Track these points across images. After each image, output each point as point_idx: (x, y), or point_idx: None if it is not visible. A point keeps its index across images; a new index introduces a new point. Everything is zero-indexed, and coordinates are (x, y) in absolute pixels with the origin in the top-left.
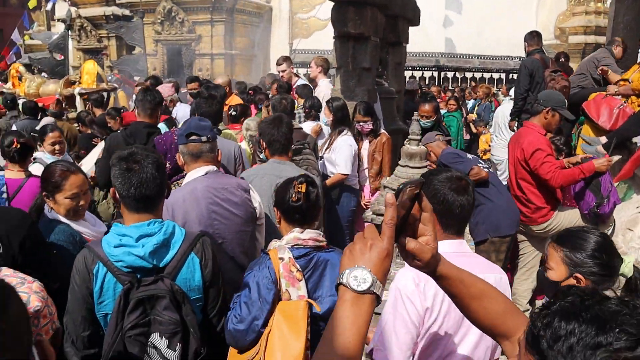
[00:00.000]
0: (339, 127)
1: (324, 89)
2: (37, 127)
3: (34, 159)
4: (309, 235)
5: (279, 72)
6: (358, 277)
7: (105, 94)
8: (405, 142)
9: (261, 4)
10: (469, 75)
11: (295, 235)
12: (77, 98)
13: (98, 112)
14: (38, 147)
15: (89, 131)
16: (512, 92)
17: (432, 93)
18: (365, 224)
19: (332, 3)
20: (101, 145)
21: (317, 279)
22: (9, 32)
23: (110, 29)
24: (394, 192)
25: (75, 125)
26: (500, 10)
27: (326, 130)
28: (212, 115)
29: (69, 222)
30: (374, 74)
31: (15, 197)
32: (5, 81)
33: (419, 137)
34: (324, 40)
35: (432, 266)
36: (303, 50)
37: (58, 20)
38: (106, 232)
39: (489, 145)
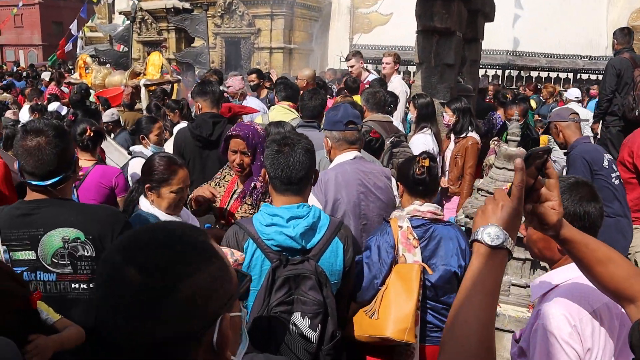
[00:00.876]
0: (421, 123)
1: (399, 86)
2: (105, 118)
3: (132, 152)
4: (427, 208)
5: (348, 67)
6: (491, 233)
7: (169, 85)
8: (491, 142)
9: None
10: (534, 74)
11: (414, 207)
12: (142, 89)
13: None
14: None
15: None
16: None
17: (523, 94)
18: None
19: None
20: (171, 140)
21: (433, 248)
22: (68, 25)
23: (175, 21)
24: (522, 159)
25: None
26: (568, 7)
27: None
28: (316, 108)
29: (167, 215)
30: (456, 71)
31: (82, 184)
32: (71, 72)
33: (518, 138)
34: (385, 35)
35: (557, 229)
36: (363, 46)
37: (119, 13)
38: None
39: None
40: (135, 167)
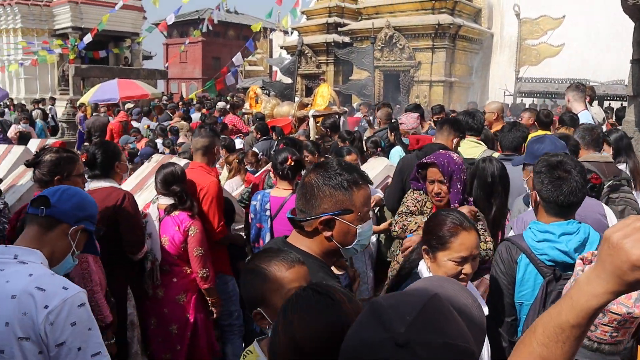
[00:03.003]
0: (617, 158)
1: (588, 120)
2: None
3: None
4: None
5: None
6: None
7: (337, 117)
8: None
9: (483, 31)
10: None
11: None
12: (311, 120)
13: (335, 137)
14: None
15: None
16: None
17: None
18: None
19: (574, 28)
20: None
21: None
22: (225, 60)
23: (341, 54)
24: None
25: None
26: None
27: None
28: (516, 140)
29: None
30: None
31: (278, 215)
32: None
33: None
34: (554, 67)
35: None
36: (531, 79)
37: (280, 47)
38: None
39: None
40: None
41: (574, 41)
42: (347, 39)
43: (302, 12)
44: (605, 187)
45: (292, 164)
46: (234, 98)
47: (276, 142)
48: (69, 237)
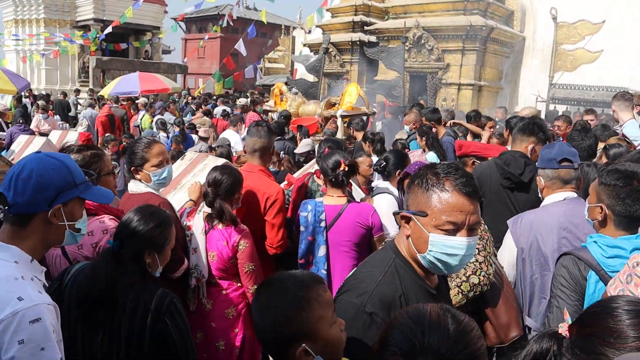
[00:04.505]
0: None
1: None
2: (299, 149)
3: (375, 188)
4: None
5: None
6: None
7: (365, 117)
8: None
9: (515, 34)
10: None
11: None
12: (339, 120)
13: (359, 135)
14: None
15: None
16: None
17: None
18: None
19: (613, 35)
20: None
21: None
22: (243, 57)
23: (371, 53)
24: None
25: None
26: None
27: None
28: (585, 149)
29: None
30: None
31: (334, 225)
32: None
33: None
34: (591, 74)
35: None
36: (566, 85)
37: (304, 45)
38: None
39: None
40: (385, 206)
41: (612, 48)
42: (373, 39)
43: (327, 10)
44: None
45: (346, 168)
46: (254, 95)
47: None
48: (54, 220)
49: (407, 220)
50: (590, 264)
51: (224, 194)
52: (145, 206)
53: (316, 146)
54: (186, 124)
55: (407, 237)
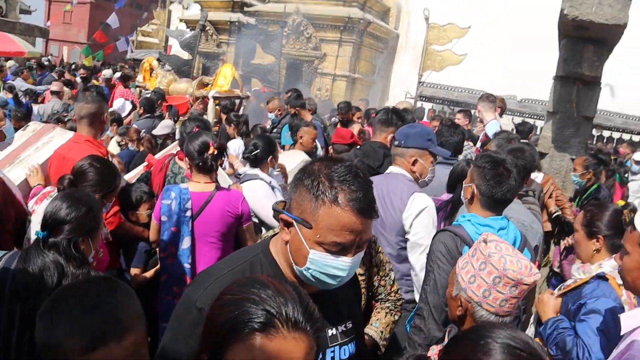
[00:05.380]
0: None
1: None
2: (157, 130)
3: (243, 175)
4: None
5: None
6: None
7: (237, 101)
8: None
9: (390, 30)
10: (607, 134)
11: (614, 262)
12: (210, 101)
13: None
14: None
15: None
16: None
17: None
18: None
19: (477, 40)
20: None
21: None
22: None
23: (249, 35)
24: None
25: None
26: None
27: None
28: (453, 145)
29: None
30: (591, 126)
31: (201, 214)
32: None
33: None
34: (455, 75)
35: None
36: (433, 84)
37: (180, 20)
38: None
39: None
40: (254, 194)
41: (476, 52)
42: (252, 21)
43: None
44: None
45: (215, 152)
46: (125, 69)
47: (182, 124)
48: None
49: (288, 224)
50: (465, 240)
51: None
52: (71, 191)
53: (178, 127)
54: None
55: (286, 242)
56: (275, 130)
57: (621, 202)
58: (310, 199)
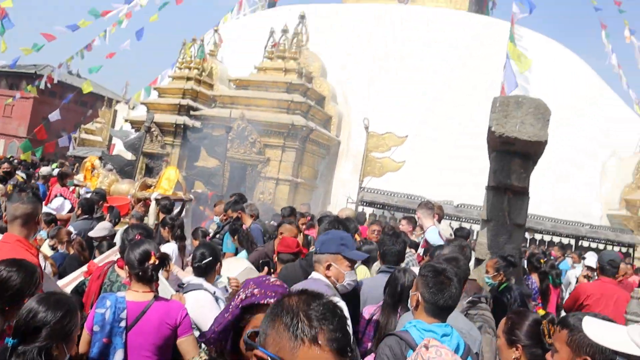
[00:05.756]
0: None
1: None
2: (94, 232)
3: (186, 285)
4: None
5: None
6: None
7: (180, 203)
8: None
9: (332, 137)
10: (538, 237)
11: None
12: (152, 203)
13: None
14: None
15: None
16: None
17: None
18: None
19: (414, 148)
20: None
21: None
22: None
23: (195, 138)
24: None
25: None
26: (564, 177)
27: None
28: (395, 253)
29: None
30: (523, 232)
31: (136, 325)
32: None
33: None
34: (395, 181)
35: None
36: (373, 190)
37: (125, 120)
38: None
39: None
40: (197, 305)
41: (414, 159)
42: (198, 124)
43: (155, 89)
44: (465, 302)
45: (157, 262)
46: (64, 165)
47: (124, 229)
48: None
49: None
50: (410, 344)
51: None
52: (48, 294)
53: (119, 230)
54: None
55: None
56: (217, 235)
57: (541, 312)
58: (289, 338)
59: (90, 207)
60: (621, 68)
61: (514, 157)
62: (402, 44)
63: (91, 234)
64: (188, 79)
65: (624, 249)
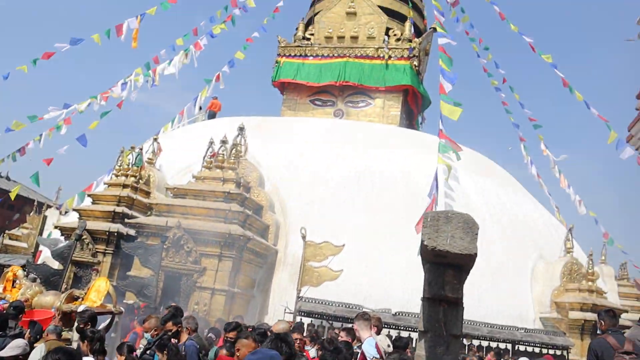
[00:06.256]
0: None
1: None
2: (4, 352)
3: None
4: None
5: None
6: None
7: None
8: None
9: (269, 246)
10: (476, 342)
11: None
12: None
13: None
14: None
15: None
16: None
17: None
18: None
19: (351, 257)
20: None
21: None
22: None
23: (128, 247)
24: None
25: None
26: (498, 279)
27: None
28: None
29: None
30: (460, 342)
31: None
32: None
33: None
34: (333, 291)
35: None
36: (311, 299)
37: (55, 227)
38: None
39: None
40: None
41: (351, 269)
42: (132, 232)
43: (89, 195)
44: None
45: None
46: None
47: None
48: None
49: None
50: None
51: None
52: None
53: (37, 348)
54: None
55: None
56: (148, 352)
57: None
58: None
59: (4, 322)
60: (541, 177)
61: (447, 268)
62: (337, 156)
63: (1, 353)
64: (124, 186)
65: (558, 352)
